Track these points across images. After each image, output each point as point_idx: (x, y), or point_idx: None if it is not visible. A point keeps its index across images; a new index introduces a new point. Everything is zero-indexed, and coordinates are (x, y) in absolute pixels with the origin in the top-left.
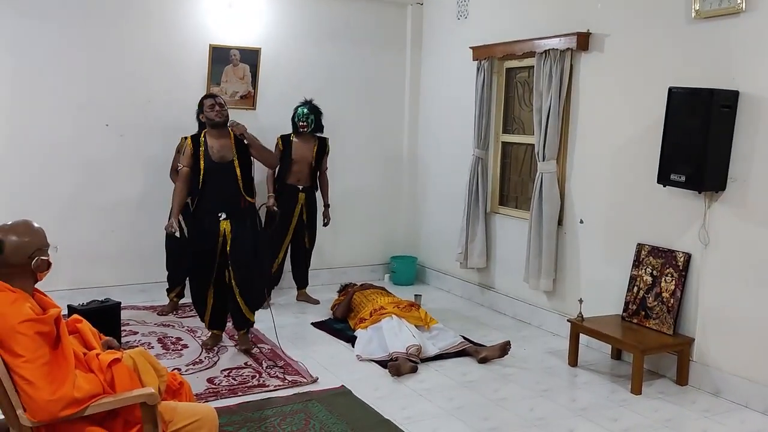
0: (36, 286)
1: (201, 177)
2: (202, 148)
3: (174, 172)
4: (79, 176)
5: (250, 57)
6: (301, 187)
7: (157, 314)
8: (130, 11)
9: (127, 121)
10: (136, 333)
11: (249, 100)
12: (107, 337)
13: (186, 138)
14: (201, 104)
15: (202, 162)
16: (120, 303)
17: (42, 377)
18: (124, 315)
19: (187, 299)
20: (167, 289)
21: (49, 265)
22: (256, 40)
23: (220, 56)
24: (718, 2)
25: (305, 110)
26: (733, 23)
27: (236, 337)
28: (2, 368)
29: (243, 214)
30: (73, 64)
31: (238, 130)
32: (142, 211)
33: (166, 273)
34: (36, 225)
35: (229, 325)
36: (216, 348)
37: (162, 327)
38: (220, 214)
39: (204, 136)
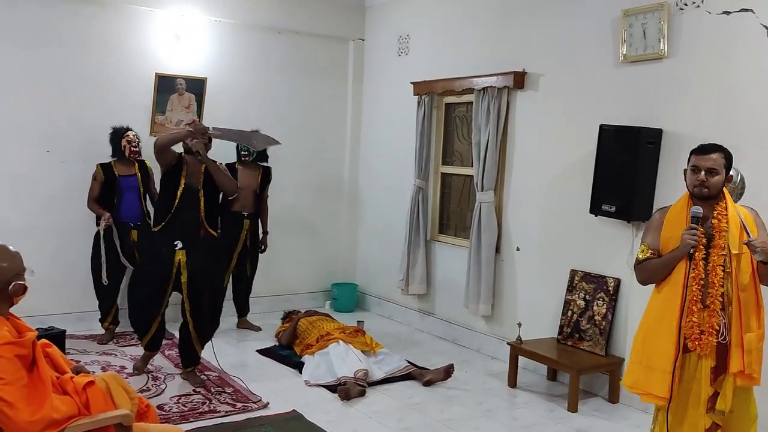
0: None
1: (178, 197)
2: (184, 167)
3: (93, 201)
4: (17, 202)
5: (196, 86)
6: (246, 214)
7: (98, 343)
8: (76, 37)
9: (69, 147)
10: (78, 362)
11: None
12: (76, 362)
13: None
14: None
15: (183, 181)
16: (65, 331)
17: (22, 399)
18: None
19: (120, 328)
20: (100, 319)
21: (25, 289)
22: (202, 69)
23: (165, 85)
24: (643, 48)
25: None
26: (657, 67)
27: (183, 375)
28: None
29: (201, 246)
30: (14, 89)
31: (195, 147)
32: (79, 239)
33: (97, 302)
34: (12, 249)
35: (173, 353)
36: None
37: (104, 356)
38: (176, 243)
39: (186, 159)
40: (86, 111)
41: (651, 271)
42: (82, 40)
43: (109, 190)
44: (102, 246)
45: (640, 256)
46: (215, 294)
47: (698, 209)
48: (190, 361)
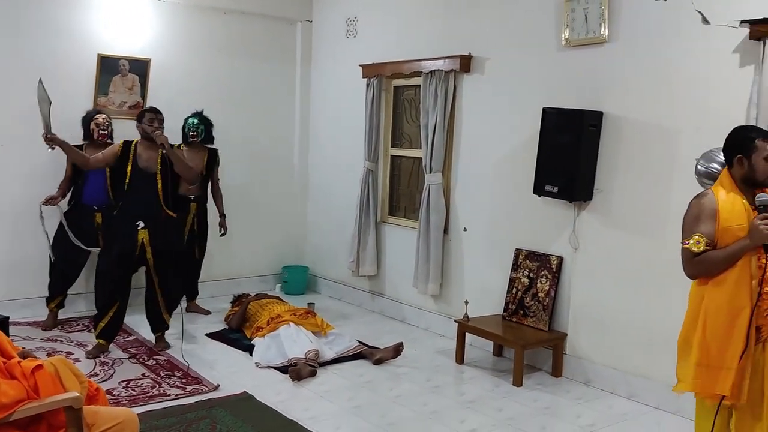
0: None
1: (126, 182)
2: (131, 154)
3: (63, 181)
4: None
5: (140, 67)
6: (192, 197)
7: (42, 329)
8: (15, 18)
9: (7, 130)
10: (24, 348)
11: (137, 110)
12: (22, 348)
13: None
14: (141, 115)
15: (129, 167)
16: (8, 317)
17: None
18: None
19: (66, 314)
20: (47, 299)
21: None
22: (146, 50)
23: (108, 66)
24: (584, 32)
25: (195, 120)
26: (598, 51)
27: (153, 342)
28: None
29: (163, 226)
30: None
31: (159, 140)
32: (22, 223)
33: (48, 281)
34: None
35: (120, 338)
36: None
37: (49, 342)
38: (138, 223)
39: (136, 145)
40: (26, 93)
41: (712, 264)
42: (22, 21)
43: (77, 171)
44: (42, 224)
45: (696, 249)
46: (180, 267)
47: (766, 197)
48: (159, 327)
